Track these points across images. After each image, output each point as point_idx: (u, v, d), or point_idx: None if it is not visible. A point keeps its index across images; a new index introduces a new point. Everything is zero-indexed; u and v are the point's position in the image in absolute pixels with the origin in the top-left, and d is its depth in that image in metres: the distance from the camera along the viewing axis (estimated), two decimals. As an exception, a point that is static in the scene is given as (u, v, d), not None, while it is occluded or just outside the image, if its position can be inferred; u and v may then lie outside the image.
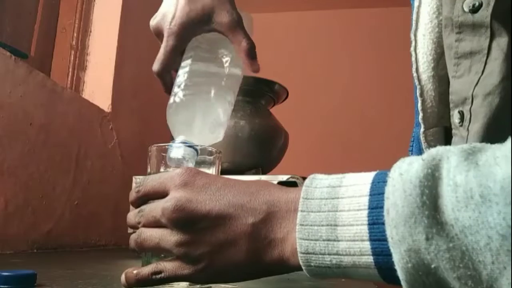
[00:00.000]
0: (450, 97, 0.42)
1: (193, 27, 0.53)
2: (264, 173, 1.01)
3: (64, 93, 1.07)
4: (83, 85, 1.30)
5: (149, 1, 1.60)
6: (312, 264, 0.33)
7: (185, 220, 0.36)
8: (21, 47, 1.11)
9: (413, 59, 0.47)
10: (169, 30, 0.53)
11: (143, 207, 0.40)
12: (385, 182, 0.30)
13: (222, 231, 0.36)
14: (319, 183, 0.34)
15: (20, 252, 0.89)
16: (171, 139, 0.50)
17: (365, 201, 0.31)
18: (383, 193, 0.30)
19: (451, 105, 0.42)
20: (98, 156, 1.21)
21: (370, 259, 0.30)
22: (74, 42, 1.29)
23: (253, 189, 0.37)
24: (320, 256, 0.32)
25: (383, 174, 0.32)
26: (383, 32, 2.63)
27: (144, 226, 0.39)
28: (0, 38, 1.03)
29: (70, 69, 1.27)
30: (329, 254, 0.32)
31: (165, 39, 0.54)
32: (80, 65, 1.30)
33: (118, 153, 1.33)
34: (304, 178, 0.93)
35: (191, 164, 0.46)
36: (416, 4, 0.47)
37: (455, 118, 0.41)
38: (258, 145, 0.97)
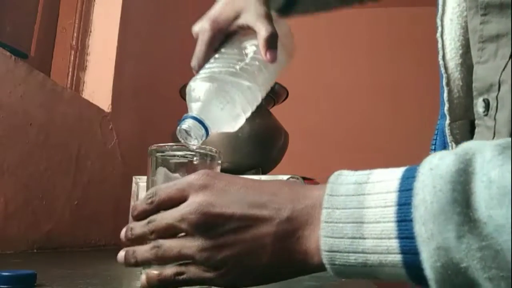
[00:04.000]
0: (474, 84, 0.40)
1: (224, 23, 0.56)
2: (264, 173, 1.01)
3: (64, 93, 1.07)
4: (83, 85, 1.30)
5: (149, 1, 1.60)
6: (336, 262, 0.32)
7: (208, 224, 0.35)
8: (21, 47, 1.11)
9: (440, 45, 0.44)
10: (203, 27, 0.56)
11: (152, 217, 0.38)
12: (414, 177, 0.29)
13: (247, 233, 0.35)
14: (344, 180, 0.33)
15: (20, 252, 0.89)
16: (171, 140, 0.50)
17: (393, 197, 0.30)
18: (411, 189, 0.29)
19: (474, 93, 0.40)
20: (98, 156, 1.21)
21: (397, 257, 0.29)
22: (74, 42, 1.28)
23: (274, 188, 0.36)
24: (345, 254, 0.31)
25: (413, 169, 0.30)
26: (383, 32, 2.63)
27: (159, 235, 0.38)
28: (0, 38, 1.03)
29: (70, 69, 1.27)
30: (354, 252, 0.31)
31: (200, 36, 0.56)
32: (80, 65, 1.30)
33: (118, 153, 1.33)
34: (304, 178, 0.93)
35: (196, 142, 0.45)
36: None
37: (479, 107, 0.39)
38: (258, 145, 0.97)
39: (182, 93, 1.03)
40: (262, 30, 0.53)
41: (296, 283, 0.51)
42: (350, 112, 2.54)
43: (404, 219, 0.29)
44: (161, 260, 0.37)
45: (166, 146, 0.46)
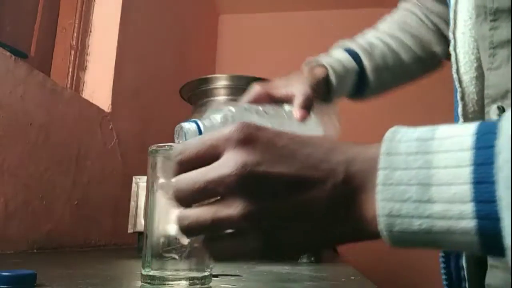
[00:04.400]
0: (486, 91, 0.38)
1: (273, 87, 0.62)
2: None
3: (64, 93, 1.07)
4: (83, 85, 1.30)
5: (149, 1, 1.60)
6: (395, 229, 0.28)
7: (253, 186, 0.30)
8: (21, 47, 1.11)
9: (453, 59, 0.43)
10: (255, 87, 0.61)
11: (178, 181, 0.32)
12: (494, 133, 0.26)
13: (296, 197, 0.30)
14: (404, 136, 0.29)
15: (20, 252, 0.89)
16: (171, 140, 0.50)
17: (468, 156, 0.26)
18: (492, 146, 0.26)
19: (486, 101, 0.38)
20: (98, 156, 1.21)
21: (471, 223, 0.26)
22: (74, 42, 1.28)
23: (326, 148, 0.32)
24: (406, 219, 0.28)
25: (490, 125, 0.27)
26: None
27: (187, 203, 0.32)
28: (0, 38, 1.03)
29: (70, 69, 1.27)
30: (418, 218, 0.27)
31: (249, 91, 0.62)
32: (80, 65, 1.30)
33: (118, 153, 1.33)
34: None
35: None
36: (452, 1, 0.44)
37: (492, 114, 0.37)
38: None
39: (182, 93, 1.03)
40: (299, 93, 0.59)
41: (296, 283, 0.51)
42: (350, 112, 2.53)
43: (483, 180, 0.26)
44: (190, 233, 0.33)
45: (166, 146, 0.46)
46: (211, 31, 2.55)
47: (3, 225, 0.86)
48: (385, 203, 0.28)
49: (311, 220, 0.31)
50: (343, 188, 0.30)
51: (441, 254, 0.48)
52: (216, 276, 0.53)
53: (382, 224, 0.29)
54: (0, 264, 0.65)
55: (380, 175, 0.29)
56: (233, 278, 0.54)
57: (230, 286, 0.47)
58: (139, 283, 0.45)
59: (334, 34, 2.94)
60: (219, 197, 0.31)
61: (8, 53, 0.88)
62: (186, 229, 0.32)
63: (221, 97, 0.96)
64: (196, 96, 1.00)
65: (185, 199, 0.32)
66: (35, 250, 0.95)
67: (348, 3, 2.64)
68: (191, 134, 0.46)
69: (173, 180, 0.33)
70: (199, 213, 0.31)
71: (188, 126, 0.47)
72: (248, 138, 0.31)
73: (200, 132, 0.47)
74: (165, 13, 1.79)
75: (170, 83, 1.71)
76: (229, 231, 0.32)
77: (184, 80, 1.00)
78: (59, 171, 1.04)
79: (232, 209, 0.30)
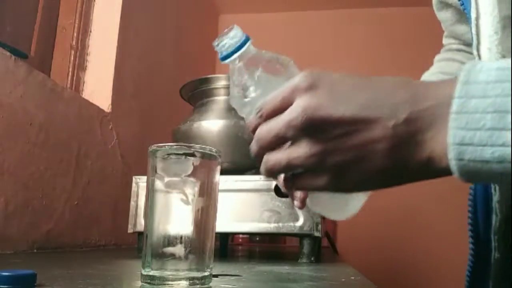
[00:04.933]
0: None
1: None
2: (264, 173, 1.01)
3: (64, 93, 1.07)
4: (83, 85, 1.30)
5: (149, 1, 1.60)
6: (466, 157, 0.28)
7: (315, 129, 0.33)
8: (21, 47, 1.11)
9: None
10: None
11: (259, 133, 0.37)
12: None
13: (358, 137, 0.32)
14: (484, 66, 0.29)
15: (20, 252, 0.89)
16: (171, 140, 0.50)
17: None
18: None
19: None
20: (98, 156, 1.21)
21: None
22: (74, 42, 1.28)
23: (389, 87, 0.32)
24: (479, 148, 0.27)
25: None
26: (384, 33, 2.62)
27: (266, 149, 0.36)
28: (0, 38, 1.03)
29: (70, 69, 1.27)
30: (491, 146, 0.27)
31: None
32: (80, 65, 1.30)
33: (118, 153, 1.33)
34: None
35: (225, 43, 0.46)
36: (473, 16, 0.41)
37: None
38: (258, 145, 0.97)
39: (182, 93, 1.03)
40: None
41: (296, 283, 0.51)
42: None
43: None
44: (271, 174, 0.37)
45: (166, 146, 0.46)
46: (211, 31, 2.54)
47: (3, 225, 0.86)
48: (457, 131, 0.28)
49: (375, 160, 0.32)
50: (406, 127, 0.31)
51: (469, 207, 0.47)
52: (216, 276, 0.53)
53: (452, 152, 0.28)
54: (0, 264, 0.65)
55: (455, 104, 0.28)
56: (233, 278, 0.54)
57: (230, 286, 0.47)
58: (139, 283, 0.45)
59: (334, 34, 2.94)
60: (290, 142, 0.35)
61: (8, 53, 0.88)
62: (269, 170, 0.36)
63: (221, 97, 0.96)
64: (196, 96, 1.00)
65: (266, 146, 0.36)
66: (35, 250, 0.95)
67: (349, 3, 2.64)
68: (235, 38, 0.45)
69: (256, 131, 0.37)
70: (278, 156, 0.35)
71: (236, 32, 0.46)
72: (312, 84, 0.33)
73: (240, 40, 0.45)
74: (165, 13, 1.80)
75: (170, 83, 1.71)
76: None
77: (184, 80, 1.00)
78: (59, 171, 1.04)
79: (300, 149, 0.34)
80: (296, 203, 0.43)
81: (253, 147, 0.38)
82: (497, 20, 0.38)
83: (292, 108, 0.34)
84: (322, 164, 0.33)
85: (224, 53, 0.47)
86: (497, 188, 0.43)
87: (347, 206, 0.44)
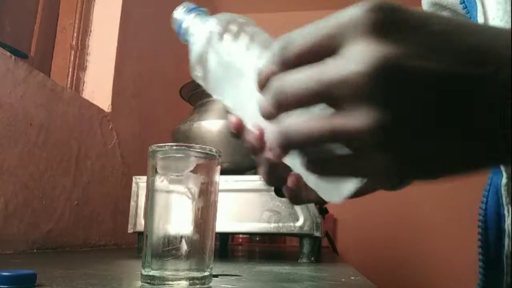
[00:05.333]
0: None
1: None
2: (264, 173, 1.01)
3: (64, 93, 1.07)
4: (83, 85, 1.30)
5: (149, 1, 1.60)
6: None
7: (393, 91, 0.21)
8: (21, 47, 1.11)
9: None
10: None
11: (283, 80, 0.24)
12: None
13: (452, 101, 0.21)
14: None
15: (20, 252, 0.89)
16: (171, 140, 0.50)
17: None
18: None
19: None
20: (98, 156, 1.21)
21: None
22: (74, 42, 1.29)
23: (488, 36, 0.23)
24: None
25: None
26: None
27: (288, 109, 0.24)
28: (0, 38, 1.03)
29: (70, 69, 1.27)
30: None
31: None
32: (80, 65, 1.30)
33: (118, 153, 1.33)
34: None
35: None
36: (480, 21, 0.37)
37: None
38: (258, 145, 0.97)
39: (182, 93, 1.03)
40: None
41: (296, 283, 0.51)
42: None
43: None
44: (290, 148, 0.25)
45: (166, 146, 0.46)
46: (211, 31, 2.54)
47: (3, 225, 0.86)
48: None
49: (466, 134, 0.22)
50: None
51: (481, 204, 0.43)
52: (216, 276, 0.53)
53: None
54: (0, 264, 0.65)
55: None
56: (233, 278, 0.54)
57: (230, 286, 0.47)
58: (139, 283, 0.45)
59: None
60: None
61: (8, 53, 0.88)
62: (288, 141, 0.24)
63: (221, 97, 0.96)
64: (196, 96, 1.00)
65: (289, 104, 0.23)
66: (35, 250, 0.95)
67: (349, 3, 2.64)
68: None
69: (273, 83, 0.24)
70: (318, 123, 0.23)
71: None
72: (387, 20, 0.21)
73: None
74: (165, 13, 1.79)
75: (170, 83, 1.71)
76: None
77: (184, 80, 1.00)
78: (59, 171, 1.04)
79: (358, 120, 0.22)
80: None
81: (265, 106, 0.25)
82: (509, 26, 0.33)
83: (351, 56, 0.21)
84: (386, 142, 0.22)
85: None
86: (510, 209, 0.40)
87: (340, 189, 0.33)
